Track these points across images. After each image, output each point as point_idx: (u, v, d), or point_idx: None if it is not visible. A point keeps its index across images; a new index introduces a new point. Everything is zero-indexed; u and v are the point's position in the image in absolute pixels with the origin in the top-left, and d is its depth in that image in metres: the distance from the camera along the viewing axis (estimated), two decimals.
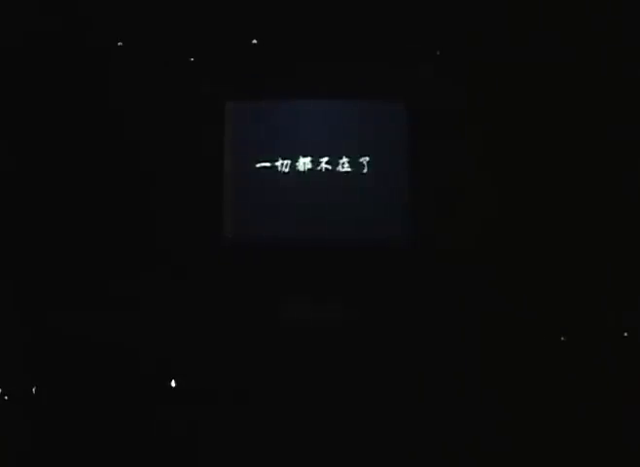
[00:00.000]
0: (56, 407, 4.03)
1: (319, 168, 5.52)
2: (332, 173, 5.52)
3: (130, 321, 4.76)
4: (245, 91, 5.55)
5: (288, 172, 5.52)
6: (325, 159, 5.52)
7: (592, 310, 4.80)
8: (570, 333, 4.62)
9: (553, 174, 5.19)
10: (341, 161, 5.53)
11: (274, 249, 5.29)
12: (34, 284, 4.93)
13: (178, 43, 5.40)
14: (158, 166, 5.32)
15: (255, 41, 5.48)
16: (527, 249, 5.08)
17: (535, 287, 4.95)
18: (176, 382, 4.29)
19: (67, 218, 5.16)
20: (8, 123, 5.19)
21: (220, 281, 5.13)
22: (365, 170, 5.52)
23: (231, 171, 5.51)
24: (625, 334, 4.56)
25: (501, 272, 5.03)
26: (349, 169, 5.53)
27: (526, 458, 3.83)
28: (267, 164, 5.53)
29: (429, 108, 5.43)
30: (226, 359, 4.51)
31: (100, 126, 5.33)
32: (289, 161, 5.52)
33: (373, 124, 5.58)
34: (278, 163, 5.53)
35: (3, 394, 4.06)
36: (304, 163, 5.52)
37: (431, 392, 4.19)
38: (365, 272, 5.19)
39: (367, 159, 5.53)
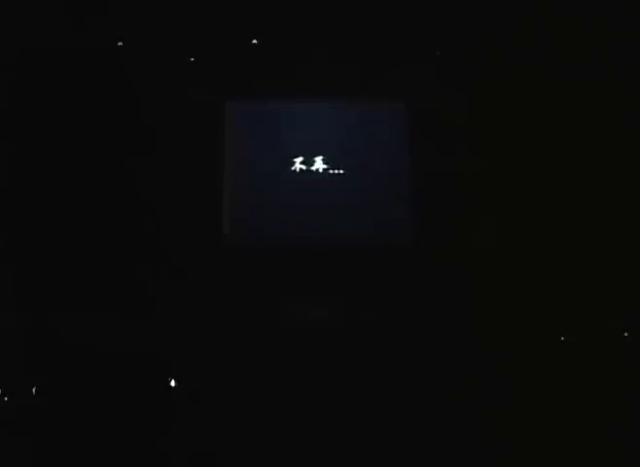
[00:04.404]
0: (56, 407, 4.02)
1: (319, 168, 5.53)
2: (331, 173, 5.52)
3: (130, 321, 4.76)
4: (245, 91, 5.56)
5: (288, 172, 5.52)
6: (325, 158, 5.52)
7: (592, 310, 4.80)
8: (570, 333, 4.62)
9: (554, 174, 5.19)
10: (341, 161, 5.53)
11: (274, 249, 5.29)
12: (34, 284, 4.93)
13: (178, 43, 5.41)
14: (157, 167, 5.32)
15: (255, 41, 5.49)
16: (527, 249, 5.08)
17: (535, 287, 4.95)
18: (176, 382, 4.28)
19: (65, 217, 5.16)
20: (7, 122, 5.19)
21: (219, 281, 5.12)
22: (364, 170, 5.52)
23: (231, 171, 5.51)
24: (625, 334, 4.56)
25: (501, 272, 5.03)
26: (349, 169, 5.53)
27: (526, 458, 3.83)
28: (267, 164, 5.53)
29: (429, 108, 5.44)
30: (226, 359, 4.51)
31: (99, 126, 5.33)
32: (289, 161, 5.52)
33: (373, 124, 5.58)
34: (278, 163, 5.53)
35: (3, 394, 4.06)
36: (304, 163, 5.52)
37: (431, 392, 4.19)
38: (365, 273, 5.18)
39: (367, 158, 5.53)
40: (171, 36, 5.37)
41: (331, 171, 5.53)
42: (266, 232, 5.42)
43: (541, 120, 5.28)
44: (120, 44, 5.41)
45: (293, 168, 5.53)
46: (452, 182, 5.27)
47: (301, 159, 5.53)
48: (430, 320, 4.80)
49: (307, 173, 5.52)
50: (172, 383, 4.27)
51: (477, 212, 5.23)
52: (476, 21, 5.30)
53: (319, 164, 5.53)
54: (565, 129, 5.24)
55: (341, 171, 5.53)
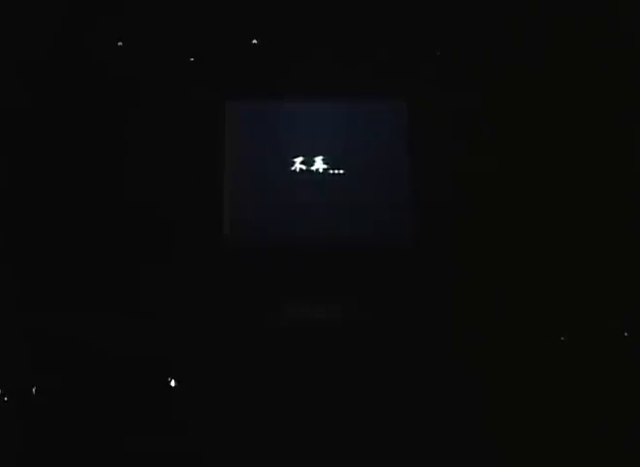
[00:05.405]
0: (56, 407, 4.03)
1: (319, 168, 5.53)
2: (331, 173, 5.52)
3: (130, 321, 4.76)
4: (245, 91, 5.56)
5: (288, 172, 5.52)
6: (325, 158, 5.52)
7: (592, 310, 4.80)
8: (570, 333, 4.62)
9: (555, 174, 5.19)
10: (341, 161, 5.53)
11: (274, 249, 5.29)
12: (34, 284, 4.93)
13: (178, 43, 5.41)
14: (157, 166, 5.32)
15: (255, 41, 5.49)
16: (528, 249, 5.08)
17: (535, 287, 4.95)
18: (176, 382, 4.28)
19: (65, 217, 5.16)
20: (7, 122, 5.19)
21: (220, 281, 5.13)
22: (364, 170, 5.52)
23: (231, 171, 5.52)
24: (625, 334, 4.56)
25: (501, 272, 5.03)
26: (349, 169, 5.53)
27: (526, 458, 3.83)
28: (267, 164, 5.53)
29: (429, 108, 5.43)
30: (226, 359, 4.51)
31: (99, 126, 5.33)
32: (289, 161, 5.53)
33: (374, 123, 5.58)
34: (278, 163, 5.53)
35: (3, 394, 4.06)
36: (304, 163, 5.53)
37: (431, 392, 4.19)
38: (365, 273, 5.18)
39: (367, 158, 5.53)
40: (171, 36, 5.37)
41: (331, 171, 5.53)
42: (266, 232, 5.42)
43: (542, 119, 5.28)
44: (120, 44, 5.41)
45: (293, 168, 5.53)
46: (452, 182, 5.27)
47: (301, 159, 5.53)
48: (430, 320, 4.80)
49: (307, 173, 5.53)
50: (172, 383, 4.27)
51: (477, 212, 5.23)
52: (476, 21, 5.30)
53: (319, 164, 5.53)
54: (566, 129, 5.24)
55: (341, 171, 5.53)
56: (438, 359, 4.43)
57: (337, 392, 4.21)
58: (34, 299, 4.86)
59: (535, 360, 4.35)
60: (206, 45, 5.44)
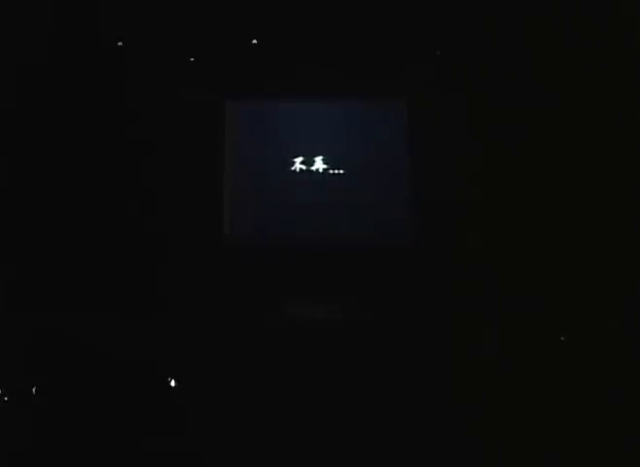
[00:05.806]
0: (56, 407, 4.02)
1: (319, 168, 5.53)
2: (331, 173, 5.52)
3: (130, 321, 4.76)
4: (245, 91, 5.56)
5: (288, 172, 5.52)
6: (325, 158, 5.52)
7: (592, 310, 4.80)
8: (570, 333, 4.62)
9: (555, 174, 5.19)
10: (341, 161, 5.53)
11: (274, 249, 5.29)
12: (34, 284, 4.93)
13: (178, 43, 5.41)
14: (157, 166, 5.33)
15: (255, 41, 5.49)
16: (528, 249, 5.08)
17: (535, 287, 4.95)
18: (176, 382, 4.28)
19: (66, 217, 5.16)
20: (8, 123, 5.19)
21: (219, 281, 5.13)
22: (364, 170, 5.52)
23: (231, 171, 5.52)
24: (626, 334, 4.56)
25: (501, 272, 5.03)
26: (349, 169, 5.53)
27: (526, 459, 3.83)
28: (267, 164, 5.53)
29: (430, 108, 5.43)
30: (226, 359, 4.51)
31: (100, 126, 5.34)
32: (289, 161, 5.53)
33: (374, 123, 5.59)
34: (278, 163, 5.53)
35: (3, 394, 4.06)
36: (304, 163, 5.53)
37: (430, 392, 4.19)
38: (365, 273, 5.18)
39: (367, 158, 5.53)
40: (171, 36, 5.37)
41: (331, 171, 5.53)
42: (266, 232, 5.42)
43: (542, 120, 5.28)
44: (120, 44, 5.41)
45: (293, 168, 5.53)
46: (452, 182, 5.27)
47: (301, 159, 5.53)
48: (430, 320, 4.80)
49: (307, 173, 5.53)
50: (172, 383, 4.27)
51: (477, 212, 5.23)
52: (476, 21, 5.30)
53: (319, 164, 5.53)
54: (567, 129, 5.24)
55: (341, 171, 5.53)
56: (437, 359, 4.43)
57: (337, 392, 4.21)
58: (34, 299, 4.86)
59: (535, 360, 4.35)
60: (206, 45, 5.44)
